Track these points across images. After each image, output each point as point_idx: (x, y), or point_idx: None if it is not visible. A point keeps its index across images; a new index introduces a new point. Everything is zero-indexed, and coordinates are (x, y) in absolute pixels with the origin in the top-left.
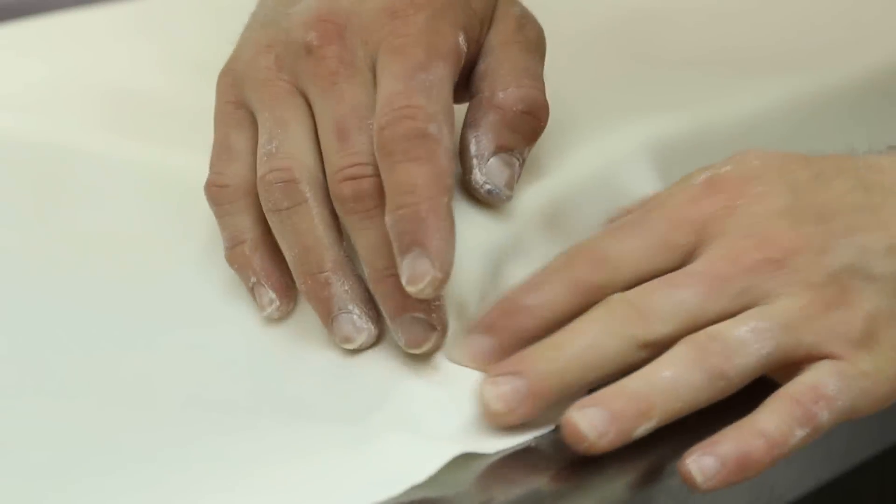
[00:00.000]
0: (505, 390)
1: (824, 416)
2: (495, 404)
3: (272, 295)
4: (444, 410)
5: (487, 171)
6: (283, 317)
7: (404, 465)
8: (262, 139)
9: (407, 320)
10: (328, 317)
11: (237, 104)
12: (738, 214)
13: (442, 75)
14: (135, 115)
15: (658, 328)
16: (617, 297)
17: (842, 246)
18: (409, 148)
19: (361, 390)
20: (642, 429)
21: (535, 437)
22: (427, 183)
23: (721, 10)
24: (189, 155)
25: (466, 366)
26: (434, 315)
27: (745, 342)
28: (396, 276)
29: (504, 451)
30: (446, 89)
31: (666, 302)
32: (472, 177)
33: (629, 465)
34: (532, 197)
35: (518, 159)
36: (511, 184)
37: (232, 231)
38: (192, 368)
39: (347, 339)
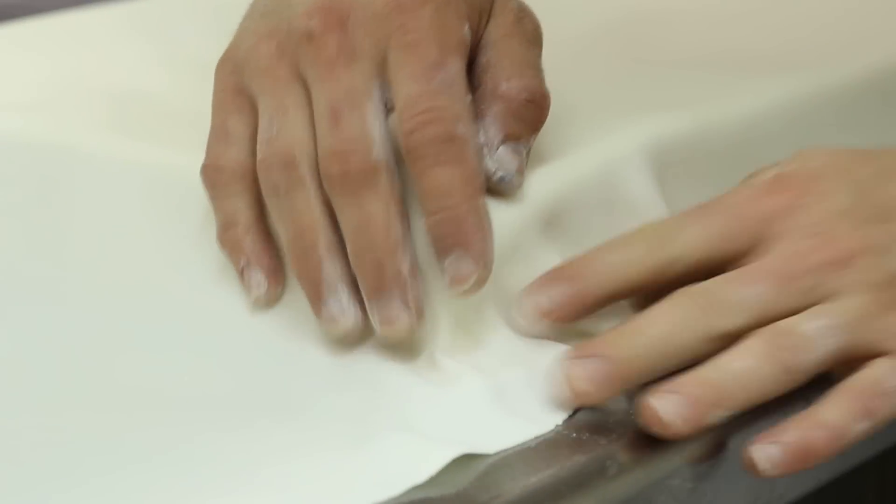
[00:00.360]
0: (591, 372)
1: (884, 410)
2: (583, 385)
3: (261, 277)
4: (444, 410)
5: (498, 160)
6: (270, 301)
7: (404, 465)
8: (262, 124)
9: (383, 299)
10: (317, 298)
11: (237, 91)
12: (802, 213)
13: (457, 70)
14: (136, 115)
15: (733, 320)
16: (695, 287)
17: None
18: (440, 151)
19: (361, 390)
20: (715, 416)
21: (535, 438)
22: (462, 185)
23: (721, 11)
24: (191, 155)
25: (540, 315)
26: (410, 295)
27: (812, 339)
28: (376, 254)
29: (504, 451)
30: (463, 84)
31: (742, 296)
32: (483, 166)
33: (629, 465)
34: (532, 197)
35: (525, 148)
36: (522, 171)
37: (226, 213)
38: (191, 369)
39: (333, 320)
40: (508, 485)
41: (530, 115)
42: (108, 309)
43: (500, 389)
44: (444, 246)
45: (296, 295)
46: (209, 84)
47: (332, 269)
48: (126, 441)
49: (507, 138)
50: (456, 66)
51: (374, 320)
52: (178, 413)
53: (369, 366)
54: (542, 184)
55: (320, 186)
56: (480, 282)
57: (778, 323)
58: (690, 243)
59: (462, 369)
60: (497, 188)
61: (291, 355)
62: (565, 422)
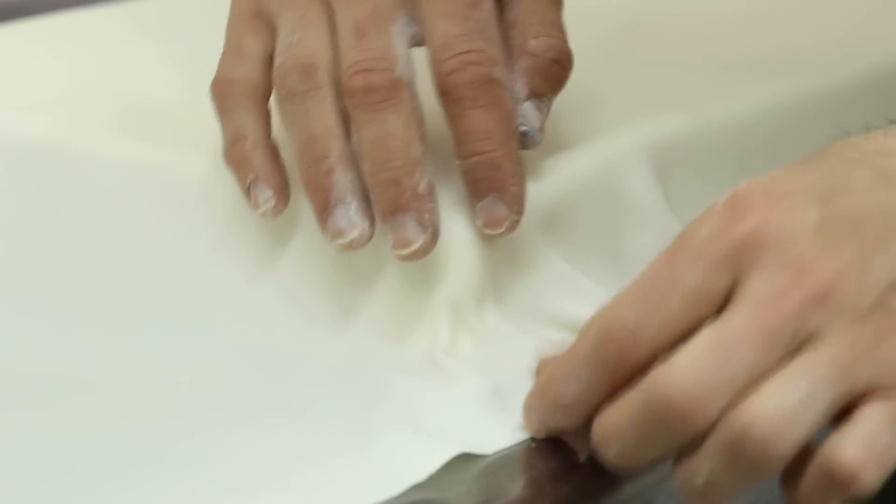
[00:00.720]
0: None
1: (870, 478)
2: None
3: (269, 193)
4: (444, 410)
5: (523, 114)
6: (276, 215)
7: (404, 464)
8: (282, 36)
9: (398, 219)
10: (325, 207)
11: (255, 14)
12: (769, 239)
13: (490, 10)
14: (138, 115)
15: (701, 423)
16: (654, 389)
17: (879, 260)
18: (478, 95)
19: (361, 389)
20: None
21: (535, 438)
22: (499, 129)
23: (721, 11)
24: (193, 155)
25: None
26: (426, 216)
27: (793, 417)
28: (394, 171)
29: (504, 450)
30: (496, 27)
31: (710, 383)
32: None
33: None
34: (532, 197)
35: (546, 107)
36: (543, 128)
37: (234, 128)
38: (190, 369)
39: (340, 234)
40: (508, 485)
41: (555, 73)
42: (108, 309)
43: (500, 389)
44: (479, 189)
45: (296, 295)
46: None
47: (342, 179)
48: (125, 442)
49: (532, 94)
50: (489, 7)
51: (389, 240)
52: (175, 413)
53: (369, 365)
54: (542, 183)
55: (338, 97)
56: (513, 226)
57: (749, 408)
58: (665, 329)
59: (462, 369)
60: (521, 143)
61: (290, 356)
62: None
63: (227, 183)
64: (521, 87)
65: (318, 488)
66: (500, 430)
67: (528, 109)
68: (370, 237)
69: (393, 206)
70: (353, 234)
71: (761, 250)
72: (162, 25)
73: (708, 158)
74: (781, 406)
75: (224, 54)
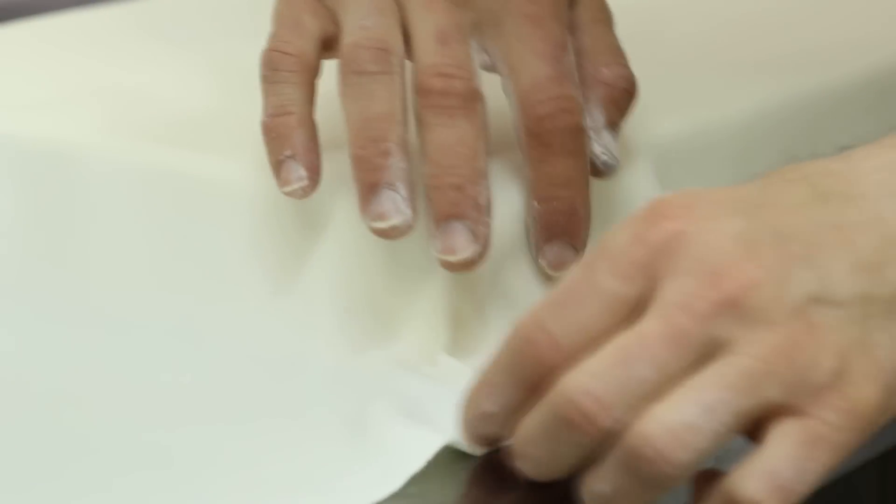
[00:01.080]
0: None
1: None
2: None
3: (303, 172)
4: (443, 409)
5: (604, 144)
6: (303, 196)
7: (401, 458)
8: (353, 18)
9: (452, 225)
10: (372, 188)
11: None
12: (688, 243)
13: (572, 50)
14: (139, 115)
15: (604, 425)
16: (560, 394)
17: (802, 271)
18: (567, 142)
19: (361, 389)
20: None
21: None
22: (579, 177)
23: (721, 12)
24: (194, 156)
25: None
26: (481, 228)
27: (693, 428)
28: (459, 177)
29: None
30: (575, 68)
31: (614, 385)
32: (591, 150)
33: None
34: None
35: (619, 133)
36: (619, 157)
37: (281, 100)
38: (190, 369)
39: (381, 217)
40: (508, 484)
41: (626, 103)
42: (107, 309)
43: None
44: (551, 232)
45: (297, 295)
46: (212, 84)
47: (397, 164)
48: (126, 441)
49: (609, 124)
50: (570, 47)
51: (436, 246)
52: (175, 413)
53: (369, 365)
54: None
55: (405, 85)
56: (572, 267)
57: (650, 422)
58: (581, 335)
59: (462, 369)
60: (601, 172)
61: (293, 356)
62: None
63: (227, 182)
64: (598, 115)
65: (319, 488)
66: None
67: (607, 139)
68: (410, 229)
69: (451, 211)
70: (397, 220)
71: (678, 256)
72: (163, 25)
73: (707, 158)
74: (679, 420)
75: (279, 29)
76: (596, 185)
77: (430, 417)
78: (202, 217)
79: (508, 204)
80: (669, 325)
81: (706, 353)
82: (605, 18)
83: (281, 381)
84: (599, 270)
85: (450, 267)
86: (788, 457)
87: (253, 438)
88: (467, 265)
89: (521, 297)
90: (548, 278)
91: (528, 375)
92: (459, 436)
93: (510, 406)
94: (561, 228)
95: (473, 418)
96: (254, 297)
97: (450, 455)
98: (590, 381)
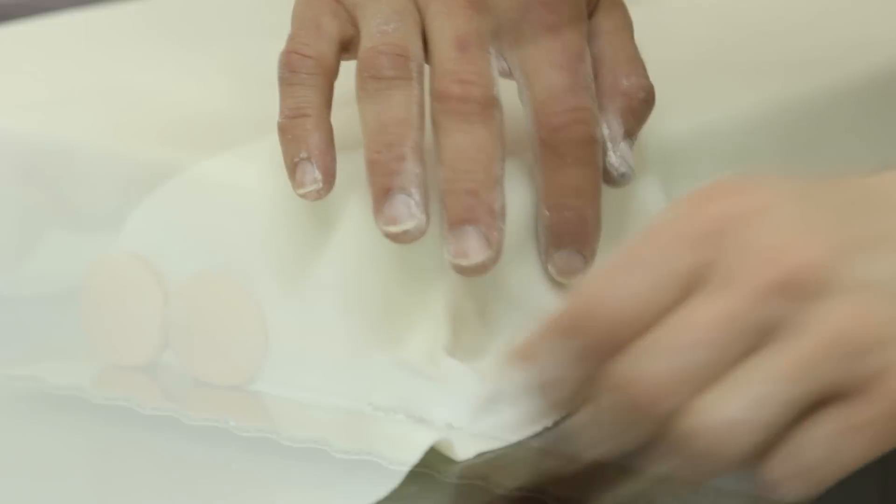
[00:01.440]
0: None
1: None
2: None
3: (318, 175)
4: (444, 409)
5: (621, 155)
6: (317, 199)
7: (401, 457)
8: (373, 22)
9: (466, 230)
10: (386, 192)
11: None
12: (748, 222)
13: (589, 60)
14: (140, 115)
15: (662, 410)
16: (624, 379)
17: (862, 255)
18: (580, 153)
19: (360, 389)
20: None
21: (535, 436)
22: (591, 187)
23: (722, 12)
24: (196, 156)
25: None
26: (495, 234)
27: (745, 423)
28: (474, 183)
29: (503, 450)
30: (593, 78)
31: (667, 375)
32: (607, 160)
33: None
34: (532, 197)
35: (634, 144)
36: (634, 166)
37: (298, 102)
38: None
39: (394, 221)
40: (508, 484)
41: (644, 113)
42: None
43: (500, 389)
44: (561, 240)
45: (303, 295)
46: (213, 84)
47: (412, 169)
48: (126, 441)
49: (627, 135)
50: (588, 58)
51: (449, 250)
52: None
53: (367, 364)
54: None
55: (423, 92)
56: (583, 276)
57: (694, 418)
58: (636, 309)
59: (462, 368)
60: (617, 182)
61: (297, 353)
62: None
63: (228, 181)
64: (616, 126)
65: (318, 487)
66: (494, 429)
67: (625, 150)
68: (422, 234)
69: (465, 216)
70: (409, 224)
71: (737, 234)
72: (163, 25)
73: (708, 159)
74: (732, 415)
75: (298, 30)
76: (605, 193)
77: (431, 418)
78: (203, 217)
79: (517, 208)
80: (728, 306)
81: (764, 333)
82: (626, 26)
83: (282, 380)
84: (659, 238)
85: (461, 271)
86: (827, 440)
87: (253, 439)
88: (479, 270)
89: (525, 300)
90: (553, 283)
91: (586, 345)
92: (473, 428)
93: (566, 383)
94: (571, 237)
95: (530, 385)
96: (261, 297)
97: (449, 455)
98: (652, 365)
